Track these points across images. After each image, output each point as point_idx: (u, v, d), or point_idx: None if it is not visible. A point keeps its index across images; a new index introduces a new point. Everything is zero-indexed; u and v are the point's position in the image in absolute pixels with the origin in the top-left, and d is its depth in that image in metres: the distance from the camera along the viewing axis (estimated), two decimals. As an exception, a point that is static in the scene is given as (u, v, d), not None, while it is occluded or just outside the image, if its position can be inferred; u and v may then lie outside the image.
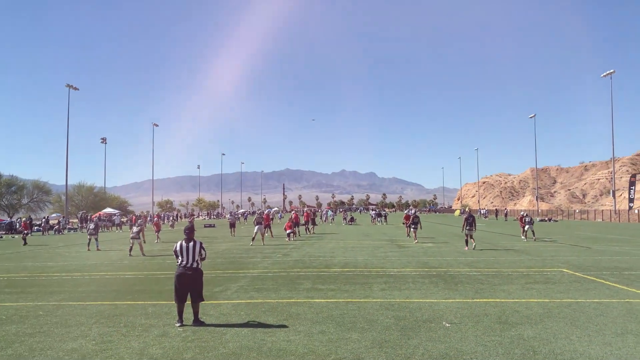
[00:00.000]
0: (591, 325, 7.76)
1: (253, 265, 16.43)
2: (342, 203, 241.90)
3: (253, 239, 26.02)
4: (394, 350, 6.51)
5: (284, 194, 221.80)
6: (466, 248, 21.68)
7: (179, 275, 8.15)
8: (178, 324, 8.05)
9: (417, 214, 28.53)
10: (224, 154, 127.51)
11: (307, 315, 8.69)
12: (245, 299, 10.46)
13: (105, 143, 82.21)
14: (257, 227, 26.07)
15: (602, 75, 66.41)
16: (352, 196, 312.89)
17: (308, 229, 35.30)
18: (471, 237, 21.70)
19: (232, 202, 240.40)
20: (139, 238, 21.09)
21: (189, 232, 8.43)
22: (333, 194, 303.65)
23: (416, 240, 25.78)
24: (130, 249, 21.11)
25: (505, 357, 6.18)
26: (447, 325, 7.86)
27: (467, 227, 21.68)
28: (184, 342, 7.10)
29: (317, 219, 46.96)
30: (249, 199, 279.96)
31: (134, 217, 55.09)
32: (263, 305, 9.66)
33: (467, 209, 27.77)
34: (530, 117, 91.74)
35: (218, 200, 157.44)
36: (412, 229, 26.59)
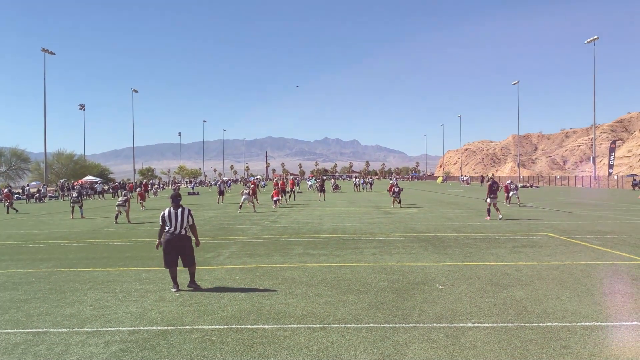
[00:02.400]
0: (580, 286, 7.97)
1: (242, 232, 16.46)
2: (325, 171, 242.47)
3: (240, 206, 25.95)
4: (391, 312, 6.63)
5: (266, 161, 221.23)
6: (487, 218, 19.68)
7: (167, 241, 8.05)
8: (174, 289, 8.05)
9: (398, 184, 29.05)
10: (205, 121, 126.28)
11: (302, 279, 8.78)
12: (239, 264, 10.51)
13: (84, 110, 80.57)
14: (244, 195, 25.95)
15: (585, 42, 66.60)
16: (336, 164, 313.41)
17: (293, 197, 35.37)
18: (495, 206, 19.72)
19: (215, 170, 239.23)
20: (125, 206, 20.93)
21: (177, 199, 8.24)
22: (316, 162, 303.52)
23: (400, 206, 26.22)
24: (117, 217, 20.95)
25: (499, 317, 6.34)
26: (441, 287, 8.01)
27: (492, 196, 19.59)
28: (182, 306, 7.13)
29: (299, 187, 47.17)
30: (232, 167, 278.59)
31: (131, 185, 54.69)
32: (257, 270, 9.72)
33: (491, 175, 25.91)
34: (514, 84, 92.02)
35: (200, 168, 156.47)
36: (395, 198, 27.41)
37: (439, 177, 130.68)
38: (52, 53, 59.27)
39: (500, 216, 19.50)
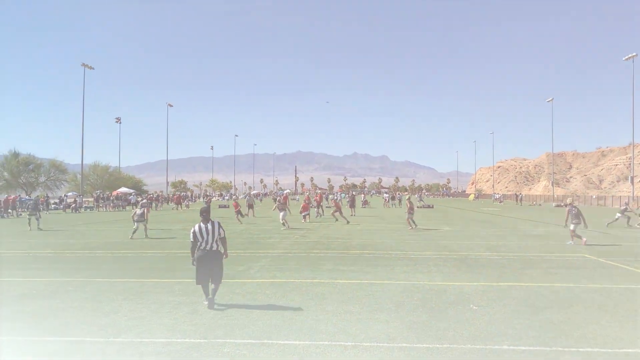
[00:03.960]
0: (620, 311, 7.71)
1: (272, 246, 16.52)
2: (354, 186, 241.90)
3: (283, 224, 25.14)
4: (424, 332, 6.53)
5: (295, 176, 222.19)
6: (576, 241, 17.35)
7: (200, 257, 8.00)
8: (206, 302, 8.00)
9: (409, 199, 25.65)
10: (237, 135, 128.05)
11: (332, 296, 8.73)
12: (269, 278, 10.54)
13: (120, 123, 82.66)
14: (282, 212, 25.25)
15: (624, 59, 65.06)
16: (364, 179, 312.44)
17: (319, 212, 35.26)
18: (573, 232, 17.41)
19: (245, 184, 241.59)
20: (144, 220, 20.08)
21: (206, 214, 8.21)
22: (345, 177, 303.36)
23: (411, 227, 23.42)
24: (134, 232, 19.89)
25: (536, 339, 6.17)
26: (475, 308, 7.85)
27: (574, 221, 17.25)
28: (213, 319, 7.18)
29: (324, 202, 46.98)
30: (261, 181, 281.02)
31: (150, 196, 55.63)
32: (287, 285, 9.73)
33: (570, 200, 22.00)
34: (548, 101, 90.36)
35: (231, 181, 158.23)
36: (408, 216, 23.64)
37: (470, 194, 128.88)
38: (91, 68, 61.20)
39: (571, 242, 17.38)
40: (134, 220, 19.97)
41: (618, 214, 26.34)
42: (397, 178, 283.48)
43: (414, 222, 23.78)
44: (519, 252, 15.01)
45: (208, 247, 8.02)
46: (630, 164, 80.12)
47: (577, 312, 7.58)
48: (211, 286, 8.10)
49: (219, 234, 8.19)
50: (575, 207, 17.85)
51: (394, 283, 9.96)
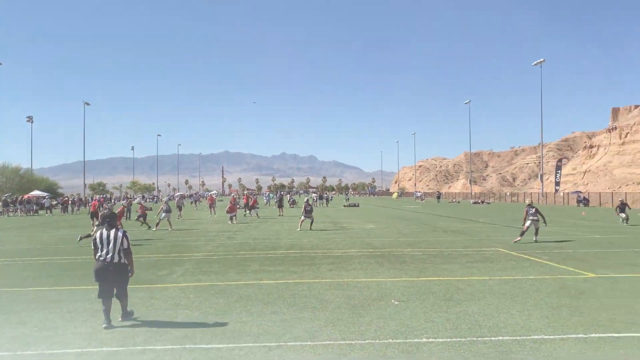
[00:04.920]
0: (529, 300, 8.23)
1: (197, 249, 16.17)
2: (283, 186, 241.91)
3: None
4: (347, 328, 6.65)
5: (223, 176, 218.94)
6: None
7: (98, 270, 6.97)
8: (105, 325, 6.79)
9: (308, 201, 24.99)
10: (159, 135, 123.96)
11: (258, 297, 8.68)
12: (193, 282, 10.30)
13: (32, 122, 77.70)
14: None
15: (533, 64, 69.53)
16: (293, 179, 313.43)
17: (249, 212, 35.00)
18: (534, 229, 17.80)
19: (169, 185, 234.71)
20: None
21: (110, 219, 7.24)
22: (273, 177, 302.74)
23: (310, 228, 22.74)
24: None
25: (453, 332, 6.46)
26: (396, 303, 8.09)
27: (533, 218, 17.69)
28: (133, 326, 6.91)
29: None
30: (186, 182, 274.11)
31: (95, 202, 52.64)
32: (212, 288, 9.56)
33: (530, 201, 22.20)
34: (466, 103, 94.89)
35: (153, 183, 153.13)
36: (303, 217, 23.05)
37: (394, 193, 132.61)
38: (-2, 62, 57.00)
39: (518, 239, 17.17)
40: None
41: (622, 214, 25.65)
42: (324, 178, 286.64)
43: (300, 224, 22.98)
44: (439, 248, 15.64)
45: (108, 258, 6.97)
46: (540, 162, 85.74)
47: (491, 303, 8.02)
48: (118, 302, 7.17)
49: (122, 245, 7.08)
50: (533, 207, 18.22)
51: (319, 282, 10.06)
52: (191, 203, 60.81)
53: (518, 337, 6.18)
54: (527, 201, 19.39)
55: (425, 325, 6.75)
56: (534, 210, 18.10)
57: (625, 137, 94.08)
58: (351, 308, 7.77)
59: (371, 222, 28.70)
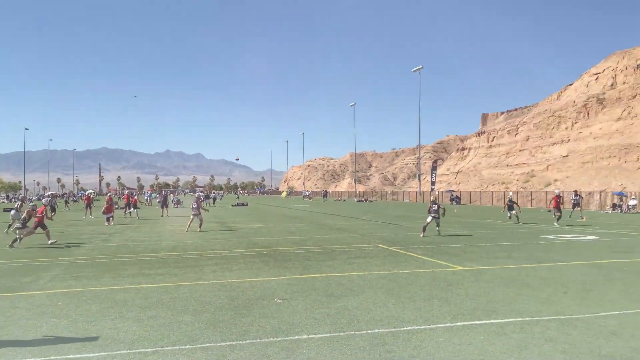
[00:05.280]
0: (404, 293, 8.70)
1: (68, 252, 15.01)
2: (167, 185, 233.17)
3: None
4: (228, 329, 6.55)
5: (100, 174, 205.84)
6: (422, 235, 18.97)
7: None
8: None
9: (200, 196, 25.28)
10: (27, 129, 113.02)
11: (135, 301, 8.26)
12: (62, 288, 9.53)
13: None
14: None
15: (412, 70, 73.78)
16: (178, 178, 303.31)
17: (129, 213, 33.22)
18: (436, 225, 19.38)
19: (38, 184, 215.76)
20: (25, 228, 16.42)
21: None
22: (157, 176, 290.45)
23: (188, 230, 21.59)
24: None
25: (332, 327, 6.63)
26: (279, 301, 8.14)
27: (434, 214, 19.00)
28: (-12, 340, 6.23)
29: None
30: (59, 180, 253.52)
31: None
32: (84, 294, 8.91)
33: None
34: (351, 106, 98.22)
35: (20, 181, 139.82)
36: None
37: (283, 192, 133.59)
38: None
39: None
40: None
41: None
42: (212, 177, 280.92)
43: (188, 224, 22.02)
44: (323, 245, 16.01)
45: None
46: (418, 163, 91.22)
47: (369, 298, 8.36)
48: None
49: None
50: (436, 203, 19.68)
51: (202, 283, 9.81)
52: (66, 203, 56.29)
53: (392, 329, 6.50)
54: (432, 198, 20.78)
55: (306, 322, 6.86)
56: (436, 207, 19.50)
57: (492, 140, 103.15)
58: (234, 309, 7.67)
59: (259, 221, 28.64)
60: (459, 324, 6.75)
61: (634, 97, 65.17)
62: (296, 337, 6.20)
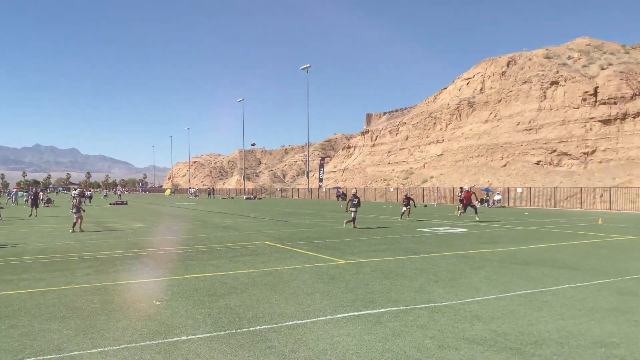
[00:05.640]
0: (287, 289, 8.77)
1: None
2: (37, 182, 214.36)
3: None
4: (100, 335, 6.15)
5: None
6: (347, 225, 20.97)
7: None
8: None
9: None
10: None
11: (-7, 311, 7.46)
12: None
13: None
14: None
15: (300, 69, 74.74)
16: (50, 175, 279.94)
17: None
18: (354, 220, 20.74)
19: None
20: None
21: None
22: (24, 172, 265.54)
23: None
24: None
25: (213, 326, 6.49)
26: (158, 303, 7.81)
27: (352, 208, 20.49)
28: None
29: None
30: None
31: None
32: None
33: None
34: (239, 101, 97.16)
35: None
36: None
37: (167, 189, 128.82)
38: None
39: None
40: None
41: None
42: (88, 173, 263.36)
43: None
44: (208, 244, 15.66)
45: None
46: (306, 161, 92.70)
47: (253, 295, 8.31)
48: None
49: None
50: (357, 197, 21.23)
51: (72, 288, 9.11)
52: None
53: (274, 325, 6.52)
54: (353, 191, 22.01)
55: (185, 323, 6.65)
56: (357, 200, 20.83)
57: (376, 139, 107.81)
58: (107, 313, 7.22)
59: (140, 220, 27.32)
60: (339, 315, 6.95)
61: (499, 101, 71.63)
62: (174, 338, 5.99)
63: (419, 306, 7.48)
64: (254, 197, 79.00)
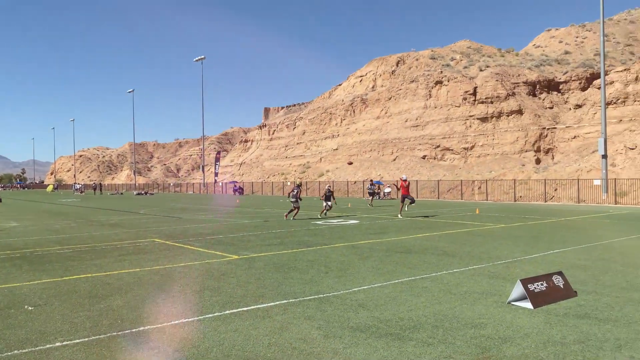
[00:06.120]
0: (175, 287, 8.53)
1: None
2: None
3: None
4: (-41, 348, 5.57)
5: None
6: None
7: None
8: None
9: None
10: None
11: None
12: None
13: None
14: None
15: (194, 60, 72.65)
16: None
17: None
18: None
19: None
20: None
21: None
22: None
23: None
24: None
25: (92, 330, 6.14)
26: (30, 308, 7.23)
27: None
28: None
29: None
30: None
31: None
32: None
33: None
34: (129, 92, 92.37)
35: None
36: None
37: (49, 185, 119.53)
38: None
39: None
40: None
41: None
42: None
43: None
44: (91, 243, 14.76)
45: None
46: (202, 155, 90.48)
47: (137, 295, 7.98)
48: None
49: None
50: (299, 187, 22.43)
51: None
52: None
53: (159, 325, 6.31)
54: (297, 182, 23.37)
55: (62, 328, 6.23)
56: (295, 192, 21.74)
57: (273, 133, 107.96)
58: (-31, 323, 6.56)
59: (15, 219, 25.07)
60: (227, 312, 6.89)
61: (390, 99, 74.87)
62: (47, 345, 5.58)
63: (308, 298, 7.64)
64: (146, 193, 75.74)
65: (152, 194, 75.22)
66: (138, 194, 73.03)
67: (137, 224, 21.06)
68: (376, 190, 40.59)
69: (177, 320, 6.53)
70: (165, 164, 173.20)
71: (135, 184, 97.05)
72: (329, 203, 23.73)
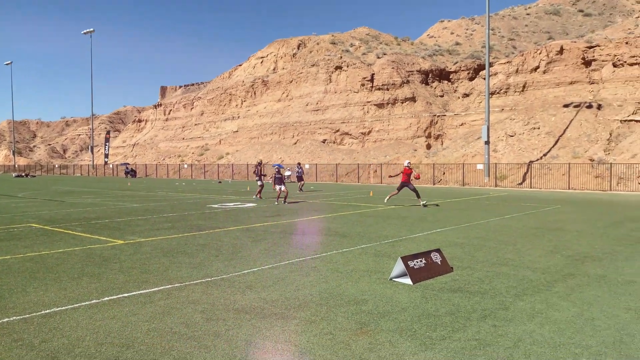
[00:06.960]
0: (50, 275, 7.93)
1: None
2: None
3: None
4: None
5: None
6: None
7: None
8: None
9: None
10: None
11: None
12: None
13: None
14: None
15: (82, 32, 67.64)
16: None
17: None
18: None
19: None
20: None
21: None
22: None
23: None
24: None
25: (-54, 324, 5.54)
26: None
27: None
28: None
29: None
30: None
31: None
32: None
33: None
34: (7, 64, 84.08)
35: None
36: None
37: None
38: None
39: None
40: None
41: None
42: None
43: None
44: (-45, 230, 13.32)
45: None
46: (91, 134, 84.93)
47: (5, 284, 7.31)
48: None
49: None
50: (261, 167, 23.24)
51: None
52: None
53: (27, 315, 5.84)
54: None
55: None
56: (255, 170, 23.09)
57: (169, 114, 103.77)
58: None
59: None
60: (106, 299, 6.53)
61: (291, 82, 74.93)
62: None
63: (194, 282, 7.45)
64: (26, 175, 69.88)
65: (34, 176, 69.55)
66: (17, 176, 67.18)
67: (13, 209, 19.34)
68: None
69: (48, 309, 6.08)
70: (50, 144, 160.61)
71: (15, 165, 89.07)
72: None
